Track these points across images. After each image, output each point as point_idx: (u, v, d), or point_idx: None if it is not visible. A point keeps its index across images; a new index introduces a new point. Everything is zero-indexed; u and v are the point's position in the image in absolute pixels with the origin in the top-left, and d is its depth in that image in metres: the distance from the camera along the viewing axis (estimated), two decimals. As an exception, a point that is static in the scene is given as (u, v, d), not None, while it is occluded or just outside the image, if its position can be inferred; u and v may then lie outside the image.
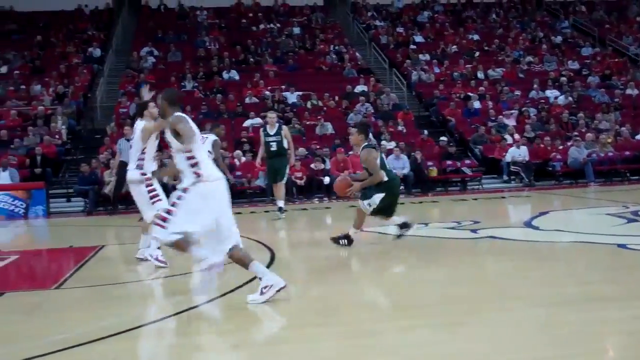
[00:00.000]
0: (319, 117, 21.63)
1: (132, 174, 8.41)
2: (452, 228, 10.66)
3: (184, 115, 5.98)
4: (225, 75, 24.88)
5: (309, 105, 22.71)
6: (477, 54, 27.68)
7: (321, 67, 26.07)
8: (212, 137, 9.63)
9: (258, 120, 21.10)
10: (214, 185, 5.92)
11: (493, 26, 30.93)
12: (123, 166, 15.80)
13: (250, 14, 30.64)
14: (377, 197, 8.86)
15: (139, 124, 8.42)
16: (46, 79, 23.88)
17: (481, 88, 24.30)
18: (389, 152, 19.23)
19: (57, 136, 19.95)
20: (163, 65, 25.78)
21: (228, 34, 28.90)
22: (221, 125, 11.22)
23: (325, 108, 22.56)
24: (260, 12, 30.86)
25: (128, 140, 16.14)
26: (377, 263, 8.38)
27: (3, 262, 9.15)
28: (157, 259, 8.08)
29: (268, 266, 7.79)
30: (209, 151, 10.02)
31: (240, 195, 18.02)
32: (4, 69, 25.13)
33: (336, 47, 27.73)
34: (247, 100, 22.81)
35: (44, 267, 9.75)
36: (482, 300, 5.77)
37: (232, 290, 6.53)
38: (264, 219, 14.40)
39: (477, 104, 23.18)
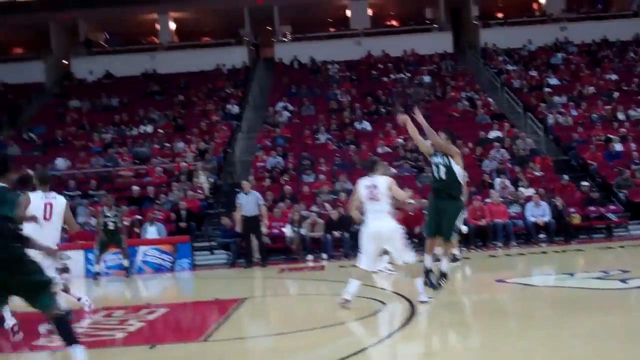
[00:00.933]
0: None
1: (390, 224, 8.69)
2: (600, 278, 10.20)
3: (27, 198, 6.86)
4: (357, 126, 25.21)
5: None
6: (616, 94, 26.66)
7: (453, 114, 25.92)
8: (384, 179, 9.16)
9: (391, 170, 21.17)
10: None
11: (631, 64, 29.73)
12: (245, 220, 16.46)
13: (380, 65, 31.04)
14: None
15: (381, 179, 8.78)
16: (188, 136, 25.04)
17: (622, 129, 23.31)
18: (527, 199, 18.74)
19: (199, 191, 20.80)
20: (298, 119, 26.46)
21: (359, 85, 29.35)
22: (379, 160, 10.54)
23: (459, 155, 22.33)
24: (390, 62, 31.19)
25: (246, 194, 16.72)
26: (521, 315, 8.14)
27: (153, 314, 9.55)
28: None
29: (409, 319, 7.73)
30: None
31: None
32: (149, 128, 26.58)
33: (467, 94, 27.54)
34: (379, 149, 22.95)
35: (191, 319, 10.10)
36: (635, 356, 5.48)
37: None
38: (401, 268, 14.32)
39: (619, 147, 22.23)
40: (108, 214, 16.14)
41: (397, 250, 8.76)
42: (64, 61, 35.01)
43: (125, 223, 17.30)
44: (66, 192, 20.90)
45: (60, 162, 23.66)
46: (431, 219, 8.84)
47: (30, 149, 25.60)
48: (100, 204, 18.98)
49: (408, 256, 8.78)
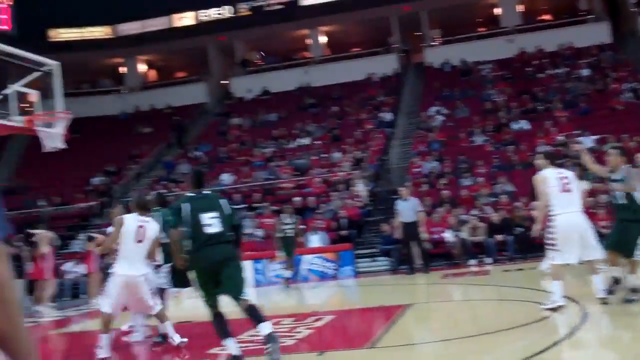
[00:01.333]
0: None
1: (583, 217, 8.55)
2: None
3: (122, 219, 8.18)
4: (514, 125, 24.64)
5: (607, 148, 21.59)
6: None
7: (616, 107, 24.74)
8: (569, 171, 9.05)
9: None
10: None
11: None
12: (404, 226, 16.44)
13: (535, 62, 30.15)
14: None
15: (567, 171, 8.78)
16: (344, 146, 25.51)
17: None
18: None
19: (358, 199, 21.14)
20: (452, 122, 26.23)
21: (513, 84, 28.64)
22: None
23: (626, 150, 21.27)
24: (545, 58, 30.22)
25: (404, 200, 16.68)
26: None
27: (320, 322, 9.82)
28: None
29: (581, 322, 7.51)
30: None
31: (542, 248, 17.62)
32: (306, 141, 27.33)
33: (631, 85, 26.16)
34: (539, 148, 22.31)
35: (357, 326, 10.31)
36: None
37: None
38: (569, 271, 13.87)
39: None
40: (287, 221, 16.35)
41: (589, 246, 8.34)
42: (223, 81, 36.73)
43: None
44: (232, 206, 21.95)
45: (226, 177, 24.84)
46: (616, 236, 8.49)
47: (198, 167, 27.05)
48: (265, 215, 19.74)
49: (596, 252, 8.39)
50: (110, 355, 8.04)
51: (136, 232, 8.10)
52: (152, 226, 8.28)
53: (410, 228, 16.53)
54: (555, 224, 8.39)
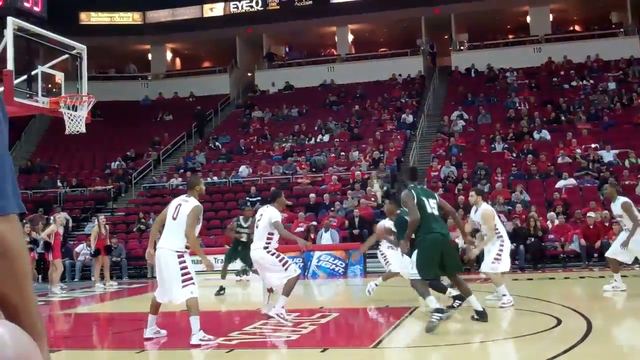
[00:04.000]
0: (639, 177, 20.24)
1: None
2: None
3: None
4: (536, 135, 24.44)
5: (627, 163, 21.39)
6: None
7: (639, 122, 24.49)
8: None
9: (572, 181, 20.38)
10: None
11: None
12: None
13: (562, 72, 29.93)
14: None
15: None
16: (363, 145, 25.46)
17: None
18: None
19: (372, 199, 21.09)
20: (473, 128, 26.11)
21: (538, 93, 28.47)
22: None
23: (646, 166, 21.06)
24: (572, 69, 29.96)
25: None
26: None
27: (325, 319, 9.81)
28: None
29: (585, 336, 7.43)
30: None
31: (553, 259, 17.51)
32: (326, 138, 27.30)
33: (658, 101, 25.87)
34: (559, 160, 22.18)
35: (361, 325, 10.29)
36: None
37: None
38: (579, 285, 13.77)
39: None
40: (244, 225, 14.15)
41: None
42: (248, 74, 36.80)
43: (301, 229, 17.80)
44: (248, 199, 21.95)
45: (243, 170, 24.87)
46: None
47: (216, 157, 27.12)
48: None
49: None
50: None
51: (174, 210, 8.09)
52: (187, 206, 8.03)
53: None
54: None
